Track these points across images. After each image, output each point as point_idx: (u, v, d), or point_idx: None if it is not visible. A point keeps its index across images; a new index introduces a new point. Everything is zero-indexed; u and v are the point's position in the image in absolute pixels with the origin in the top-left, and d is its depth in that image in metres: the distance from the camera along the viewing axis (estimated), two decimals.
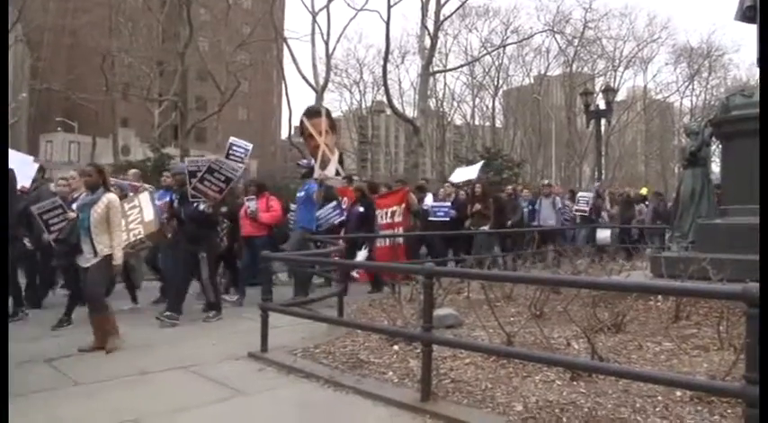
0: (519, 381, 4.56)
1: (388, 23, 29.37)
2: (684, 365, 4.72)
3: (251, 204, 9.09)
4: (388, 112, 50.22)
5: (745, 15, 8.18)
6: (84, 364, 5.59)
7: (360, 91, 56.44)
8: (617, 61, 50.06)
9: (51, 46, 42.07)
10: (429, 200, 12.61)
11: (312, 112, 9.34)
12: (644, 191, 18.24)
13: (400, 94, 51.26)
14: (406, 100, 51.08)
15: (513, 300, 7.56)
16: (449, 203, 11.84)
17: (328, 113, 9.42)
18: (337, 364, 5.26)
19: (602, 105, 21.44)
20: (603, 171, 23.11)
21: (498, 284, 7.74)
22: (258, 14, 37.15)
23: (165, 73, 38.06)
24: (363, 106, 59.07)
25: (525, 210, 14.41)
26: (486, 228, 11.78)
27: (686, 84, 53.12)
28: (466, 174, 14.94)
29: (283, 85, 37.26)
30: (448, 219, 11.51)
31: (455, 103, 56.42)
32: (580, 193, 15.59)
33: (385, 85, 30.59)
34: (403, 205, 11.14)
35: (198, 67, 34.62)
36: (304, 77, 33.02)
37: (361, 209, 10.18)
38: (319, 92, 33.81)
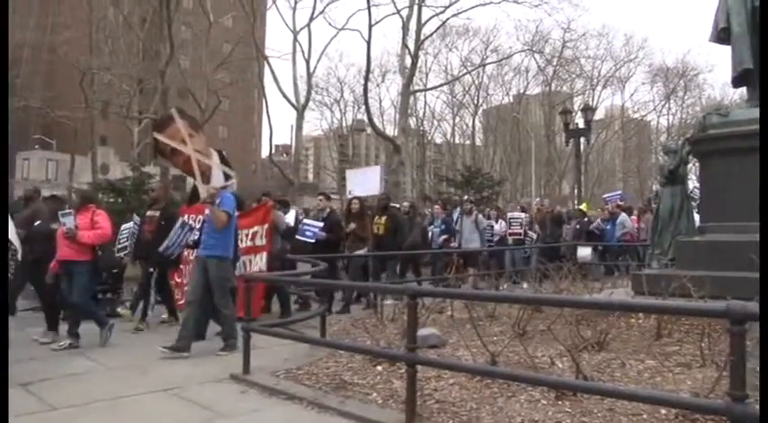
0: (504, 401, 4.53)
1: (369, 43, 29.54)
2: (668, 383, 4.74)
3: (67, 220, 7.16)
4: (369, 130, 50.35)
5: (719, 37, 8.37)
6: (60, 388, 5.46)
7: (340, 110, 56.72)
8: (595, 80, 50.89)
9: (30, 62, 41.73)
10: (291, 217, 10.66)
11: (162, 123, 7.43)
12: (584, 207, 17.99)
13: (381, 112, 51.66)
14: (387, 119, 51.45)
15: (496, 319, 7.55)
16: (320, 224, 9.90)
17: (182, 113, 7.41)
18: (320, 385, 5.21)
19: (581, 124, 21.75)
20: (583, 189, 23.32)
21: (481, 303, 7.73)
22: (239, 33, 37.17)
23: (145, 91, 37.91)
24: (344, 125, 59.26)
25: (436, 229, 13.34)
26: (362, 251, 10.20)
27: (663, 103, 54.16)
28: (366, 185, 12.82)
29: (264, 104, 37.28)
30: (314, 241, 9.69)
31: (435, 122, 57.00)
32: (511, 215, 14.73)
33: (366, 103, 30.73)
34: (266, 226, 9.18)
35: (178, 85, 34.49)
36: (285, 96, 33.13)
37: None
38: (300, 110, 33.92)
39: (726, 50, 8.29)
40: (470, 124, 57.03)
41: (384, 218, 10.86)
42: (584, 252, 13.92)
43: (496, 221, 14.59)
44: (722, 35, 8.22)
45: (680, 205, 8.86)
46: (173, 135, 7.01)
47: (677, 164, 8.99)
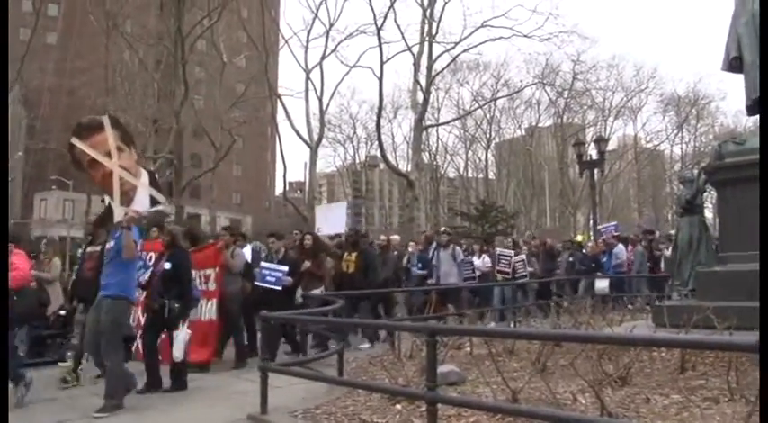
0: None
1: (380, 79, 29.95)
2: (696, 419, 4.60)
3: None
4: (382, 166, 50.76)
5: (731, 66, 8.36)
6: None
7: (353, 146, 57.23)
8: (607, 111, 51.00)
9: (48, 105, 42.65)
10: (247, 252, 9.81)
11: (86, 129, 6.34)
12: (579, 238, 17.52)
13: (393, 148, 52.01)
14: (400, 154, 51.83)
15: (515, 354, 7.42)
16: (284, 268, 8.89)
17: (116, 123, 6.45)
18: None
19: (594, 155, 21.70)
20: (599, 220, 23.19)
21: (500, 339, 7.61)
22: (252, 72, 37.82)
23: (161, 131, 38.44)
24: (357, 161, 59.68)
25: (413, 267, 12.40)
26: (318, 291, 9.29)
27: (675, 132, 54.08)
28: (334, 221, 12.35)
29: (278, 142, 37.73)
30: (280, 288, 8.72)
31: (448, 157, 57.22)
32: (500, 251, 13.36)
33: (379, 139, 31.03)
34: (217, 268, 8.58)
35: (193, 124, 35.02)
36: (298, 134, 33.49)
37: (167, 265, 7.10)
38: (313, 147, 34.23)
39: (738, 78, 8.28)
40: (483, 158, 57.34)
41: (354, 254, 10.16)
42: (602, 284, 13.67)
43: (479, 256, 13.38)
44: (734, 64, 8.22)
45: (698, 235, 8.77)
46: (96, 144, 6.15)
47: (694, 193, 8.94)
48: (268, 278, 8.73)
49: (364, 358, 8.22)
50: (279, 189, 53.42)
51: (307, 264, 9.46)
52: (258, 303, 8.84)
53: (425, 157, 48.54)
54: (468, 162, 57.84)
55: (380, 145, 31.93)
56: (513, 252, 13.33)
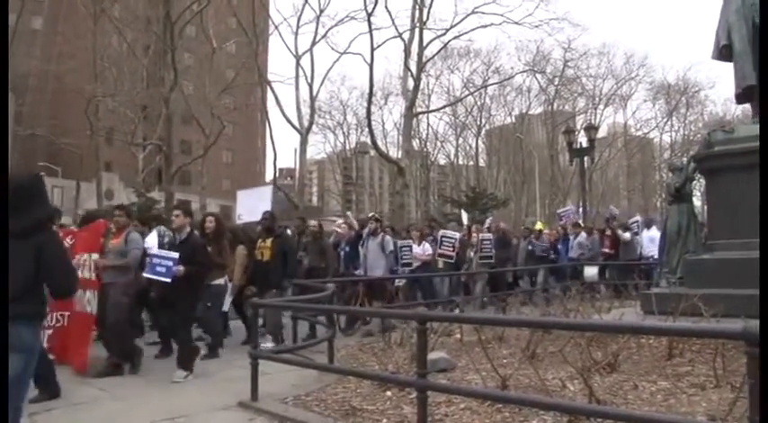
0: None
1: (371, 66, 29.77)
2: (682, 405, 4.65)
3: None
4: (372, 153, 50.63)
5: (721, 54, 8.39)
6: (66, 418, 5.41)
7: (343, 132, 57.18)
8: (597, 99, 51.13)
9: (36, 91, 42.21)
10: (153, 239, 8.65)
11: None
12: (539, 226, 16.80)
13: (384, 134, 51.97)
14: (390, 141, 51.81)
15: (504, 341, 7.48)
16: (174, 255, 7.07)
17: None
18: (330, 411, 5.14)
19: (584, 143, 21.77)
20: (588, 207, 23.30)
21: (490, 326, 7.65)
22: (242, 58, 37.54)
23: (150, 117, 38.22)
24: (347, 148, 59.59)
25: (341, 252, 11.15)
26: (220, 281, 8.42)
27: (665, 120, 54.34)
28: (257, 208, 10.86)
29: (268, 128, 37.57)
30: (169, 280, 6.98)
31: (439, 143, 57.25)
32: (443, 233, 12.35)
33: (369, 126, 30.88)
34: (94, 254, 7.23)
35: (182, 110, 34.77)
36: (288, 120, 33.33)
37: None
38: (303, 134, 34.10)
39: (727, 66, 8.30)
40: (473, 145, 57.41)
41: (270, 240, 8.93)
42: (592, 271, 13.77)
43: (419, 243, 11.94)
44: (724, 52, 8.24)
45: (687, 223, 8.82)
46: None
47: (683, 181, 8.98)
48: (158, 269, 7.11)
49: (354, 345, 8.26)
50: (269, 175, 53.28)
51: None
52: (164, 299, 7.67)
53: (416, 143, 48.56)
54: (459, 149, 57.97)
55: (371, 131, 31.81)
56: (457, 234, 12.30)
